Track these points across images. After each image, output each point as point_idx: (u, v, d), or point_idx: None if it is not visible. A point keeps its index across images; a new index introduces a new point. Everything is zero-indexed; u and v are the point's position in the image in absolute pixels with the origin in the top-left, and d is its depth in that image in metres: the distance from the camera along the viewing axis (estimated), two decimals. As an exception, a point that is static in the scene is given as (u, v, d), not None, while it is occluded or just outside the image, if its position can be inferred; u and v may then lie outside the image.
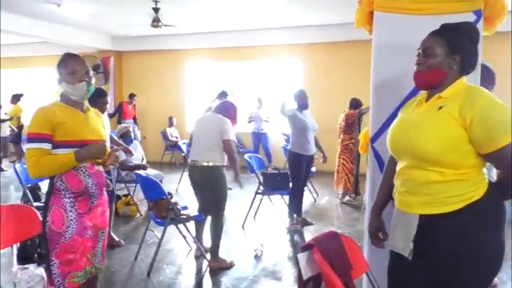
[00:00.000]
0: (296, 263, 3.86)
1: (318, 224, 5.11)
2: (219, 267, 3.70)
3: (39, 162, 1.98)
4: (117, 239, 4.30)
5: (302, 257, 1.71)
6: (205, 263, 3.81)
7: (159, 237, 3.73)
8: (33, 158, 1.99)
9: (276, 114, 8.46)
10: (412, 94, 2.04)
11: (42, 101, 10.01)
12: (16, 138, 9.56)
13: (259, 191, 5.02)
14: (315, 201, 6.34)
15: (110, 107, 9.12)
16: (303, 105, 4.87)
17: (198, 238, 3.94)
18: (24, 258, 3.58)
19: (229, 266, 3.74)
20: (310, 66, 9.16)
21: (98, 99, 3.45)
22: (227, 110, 3.83)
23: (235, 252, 4.08)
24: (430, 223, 1.55)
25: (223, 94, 6.32)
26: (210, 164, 3.61)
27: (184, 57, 10.21)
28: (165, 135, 9.40)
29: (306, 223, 5.05)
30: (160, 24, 7.16)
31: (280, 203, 5.40)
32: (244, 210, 5.12)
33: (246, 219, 5.04)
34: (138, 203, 5.54)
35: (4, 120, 8.59)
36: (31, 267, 2.26)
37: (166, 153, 9.58)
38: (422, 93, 1.71)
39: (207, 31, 9.27)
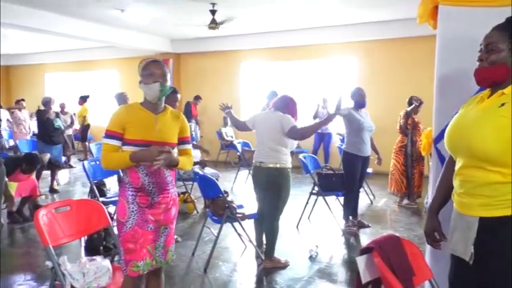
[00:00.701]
0: (351, 265, 3.80)
1: (374, 227, 4.96)
2: (274, 267, 3.70)
3: (106, 157, 2.20)
4: (175, 236, 4.45)
5: (361, 260, 1.67)
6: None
7: (216, 234, 3.80)
8: (104, 152, 2.21)
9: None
10: (479, 92, 1.92)
11: (106, 102, 10.66)
12: (83, 136, 10.21)
13: (313, 191, 4.97)
14: (372, 203, 6.17)
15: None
16: (359, 104, 4.75)
17: (258, 238, 3.95)
18: (91, 250, 3.83)
19: (284, 266, 3.74)
20: (367, 65, 8.92)
21: (170, 94, 3.58)
22: (287, 105, 3.73)
23: (290, 252, 4.07)
24: (491, 226, 1.46)
25: (273, 94, 6.28)
26: (278, 165, 3.58)
27: (240, 57, 10.35)
28: (220, 135, 9.59)
29: (362, 225, 4.92)
30: (217, 26, 7.31)
31: (335, 204, 5.31)
32: (299, 211, 5.09)
33: (300, 219, 5.01)
34: (195, 200, 5.70)
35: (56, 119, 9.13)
36: (98, 258, 2.39)
37: (221, 152, 9.77)
38: (488, 90, 1.61)
39: (263, 31, 9.33)
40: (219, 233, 3.76)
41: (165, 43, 10.45)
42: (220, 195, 3.74)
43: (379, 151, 5.19)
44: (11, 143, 9.19)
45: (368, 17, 7.96)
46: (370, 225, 4.98)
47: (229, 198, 3.86)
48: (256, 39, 9.58)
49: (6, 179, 4.28)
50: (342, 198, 4.95)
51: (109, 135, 2.20)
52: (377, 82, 8.54)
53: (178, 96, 4.09)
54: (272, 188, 3.63)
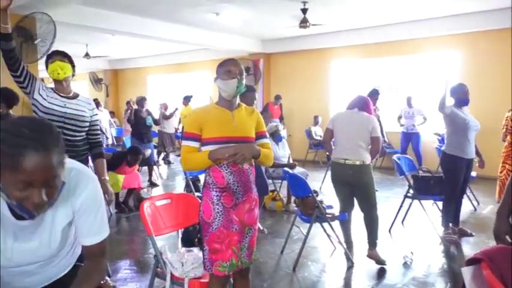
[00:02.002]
0: (452, 276, 3.52)
1: (478, 236, 4.53)
2: (377, 259, 3.70)
3: (186, 158, 2.23)
4: (261, 227, 4.51)
5: (467, 271, 1.52)
6: (348, 264, 3.74)
7: (304, 233, 3.78)
8: (184, 154, 2.24)
9: (429, 112, 7.85)
10: None
11: (201, 102, 11.22)
12: None
13: (408, 194, 4.69)
14: (475, 210, 5.64)
15: (259, 106, 9.66)
16: (462, 101, 4.35)
17: (347, 239, 3.89)
18: (186, 241, 4.04)
19: (382, 263, 3.68)
20: (470, 58, 8.17)
21: (247, 93, 3.66)
22: (367, 106, 3.79)
23: (382, 256, 3.89)
24: None
25: (375, 93, 6.07)
26: (364, 162, 3.65)
27: (331, 55, 10.19)
28: (309, 134, 9.54)
29: (463, 234, 4.53)
30: (308, 24, 7.27)
31: (432, 208, 4.96)
32: (392, 214, 4.85)
33: (393, 223, 4.77)
34: (283, 198, 5.74)
35: (168, 118, 9.78)
36: (195, 250, 2.52)
37: (310, 151, 9.72)
38: None
39: (354, 28, 9.06)
40: (308, 233, 3.74)
41: (256, 43, 10.69)
42: (310, 194, 3.71)
43: (482, 153, 4.73)
44: (111, 141, 10.12)
45: (471, 6, 7.29)
46: (473, 233, 4.56)
47: (318, 198, 3.82)
48: (348, 36, 9.34)
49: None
50: (440, 203, 4.60)
51: (187, 137, 2.23)
52: (481, 77, 7.78)
53: (256, 95, 4.15)
54: (359, 184, 3.70)
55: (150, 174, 7.33)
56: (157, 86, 14.42)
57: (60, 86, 2.84)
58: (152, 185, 7.24)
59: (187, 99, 10.92)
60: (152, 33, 8.35)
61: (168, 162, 9.97)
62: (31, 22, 5.94)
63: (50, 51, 6.00)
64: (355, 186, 3.74)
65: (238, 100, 2.32)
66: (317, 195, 3.85)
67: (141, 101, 7.39)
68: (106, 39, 10.19)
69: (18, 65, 2.65)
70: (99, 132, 3.06)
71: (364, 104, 3.79)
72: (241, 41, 10.23)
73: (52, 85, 2.89)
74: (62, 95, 2.82)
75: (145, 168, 7.42)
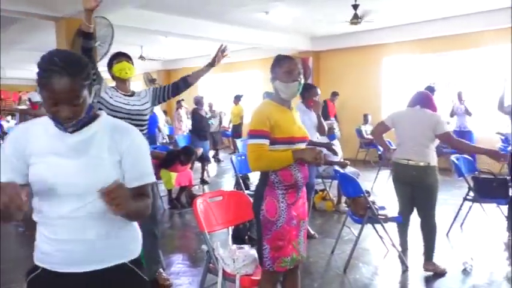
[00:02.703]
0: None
1: (547, 243, 4.20)
2: (435, 270, 3.48)
3: (261, 157, 2.13)
4: (312, 232, 4.47)
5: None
6: (401, 268, 3.61)
7: (356, 234, 3.70)
8: (256, 152, 2.14)
9: (484, 110, 7.40)
10: None
11: (253, 101, 11.30)
12: (236, 133, 10.90)
13: (468, 197, 4.44)
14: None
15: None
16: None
17: (403, 243, 3.75)
18: (236, 238, 4.09)
19: (442, 273, 3.48)
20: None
21: (310, 89, 3.62)
22: (430, 101, 3.56)
23: (439, 262, 3.71)
24: None
25: (429, 90, 5.80)
26: (428, 163, 3.42)
27: (382, 51, 9.88)
28: (360, 133, 9.32)
29: (530, 240, 4.22)
30: (359, 20, 7.10)
31: (495, 212, 4.66)
32: (449, 217, 4.61)
33: (451, 227, 4.54)
34: (334, 198, 5.65)
35: (211, 118, 9.93)
36: (246, 247, 2.54)
37: (360, 150, 9.49)
38: None
39: (407, 22, 8.71)
40: (359, 234, 3.65)
41: (305, 41, 10.59)
42: (362, 194, 3.62)
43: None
44: (167, 138, 10.42)
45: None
46: (541, 240, 4.24)
47: (370, 199, 3.71)
48: (401, 31, 9.00)
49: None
50: (505, 207, 4.31)
51: (256, 134, 2.14)
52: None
53: (318, 91, 4.08)
54: (422, 186, 3.45)
55: (203, 172, 7.49)
56: (208, 85, 14.69)
57: (123, 85, 3.02)
58: (204, 182, 7.39)
59: (237, 98, 11.07)
60: (203, 34, 8.52)
61: (217, 160, 10.14)
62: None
63: (108, 53, 6.30)
64: (416, 188, 3.50)
65: None
66: (369, 196, 3.74)
67: (200, 100, 7.81)
68: (159, 41, 10.52)
69: (93, 65, 2.82)
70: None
71: (427, 100, 3.57)
72: (291, 39, 10.16)
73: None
74: (124, 93, 2.99)
75: (197, 165, 7.60)
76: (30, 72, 16.97)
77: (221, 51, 3.13)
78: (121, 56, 3.02)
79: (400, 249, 3.72)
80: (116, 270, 1.43)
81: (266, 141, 2.14)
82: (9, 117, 12.66)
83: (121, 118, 2.78)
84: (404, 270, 3.59)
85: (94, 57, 2.88)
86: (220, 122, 10.48)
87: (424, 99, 3.57)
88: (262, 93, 6.57)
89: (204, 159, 7.35)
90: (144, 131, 3.05)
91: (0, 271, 3.59)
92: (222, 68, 13.78)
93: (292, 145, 2.19)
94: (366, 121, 9.48)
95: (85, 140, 1.36)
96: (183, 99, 10.69)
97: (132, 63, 3.03)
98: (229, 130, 11.48)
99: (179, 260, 3.90)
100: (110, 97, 2.91)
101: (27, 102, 7.63)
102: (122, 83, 3.02)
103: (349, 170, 5.29)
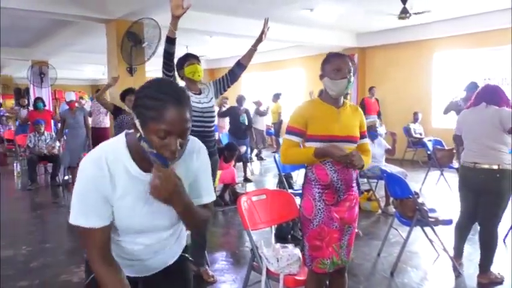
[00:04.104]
0: None
1: None
2: (490, 282, 3.24)
3: (287, 152, 2.21)
4: (356, 230, 4.36)
5: None
6: (452, 274, 3.43)
7: (404, 237, 3.56)
8: (283, 146, 2.23)
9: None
10: None
11: (296, 99, 11.24)
12: (277, 131, 10.93)
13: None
14: None
15: (353, 101, 9.35)
16: None
17: (457, 248, 3.55)
18: (279, 237, 4.07)
19: (500, 282, 3.25)
20: None
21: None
22: (497, 95, 3.22)
23: (494, 269, 3.49)
24: None
25: (473, 86, 5.48)
26: (499, 167, 3.11)
27: (433, 47, 9.47)
28: (408, 131, 8.99)
29: None
30: (408, 15, 6.83)
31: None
32: (507, 221, 4.32)
33: (508, 232, 4.25)
34: (379, 199, 5.48)
35: (262, 114, 9.91)
36: (290, 246, 2.50)
37: (408, 150, 9.15)
38: None
39: (461, 15, 8.28)
40: (408, 236, 3.50)
41: (350, 38, 10.36)
42: (410, 196, 3.47)
43: None
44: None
45: None
46: None
47: (419, 200, 3.55)
48: (453, 25, 8.56)
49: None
50: None
51: (290, 131, 2.21)
52: None
53: (350, 89, 3.96)
54: (490, 191, 3.17)
55: (245, 170, 7.53)
56: (251, 84, 14.75)
57: (194, 85, 3.16)
58: (247, 180, 7.42)
59: (276, 97, 11.06)
60: (247, 33, 8.53)
61: (261, 159, 10.15)
62: (139, 27, 6.46)
63: (155, 54, 6.48)
64: (483, 194, 3.22)
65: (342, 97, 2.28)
66: (418, 197, 3.57)
67: (240, 99, 7.81)
68: (204, 41, 10.68)
69: (172, 67, 2.99)
70: None
71: (492, 94, 3.23)
72: (335, 36, 9.98)
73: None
74: (194, 92, 3.11)
75: (239, 164, 7.64)
76: (81, 72, 17.87)
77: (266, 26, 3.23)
78: (192, 58, 3.16)
79: (452, 254, 3.53)
80: (174, 264, 1.59)
81: (295, 138, 2.20)
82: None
83: (196, 117, 2.97)
84: (457, 276, 3.41)
85: (174, 61, 3.01)
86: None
87: (489, 95, 3.25)
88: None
89: (244, 158, 7.37)
90: (213, 127, 3.19)
91: (53, 263, 3.79)
92: (265, 67, 13.87)
93: (330, 143, 2.14)
94: (415, 119, 9.13)
95: None
96: (227, 98, 10.80)
97: (201, 64, 3.17)
98: (272, 128, 11.49)
99: (223, 257, 3.93)
100: None
101: (65, 102, 8.02)
102: (192, 83, 3.15)
103: (397, 170, 5.12)
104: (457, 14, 8.19)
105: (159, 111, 1.18)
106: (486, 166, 3.13)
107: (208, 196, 1.49)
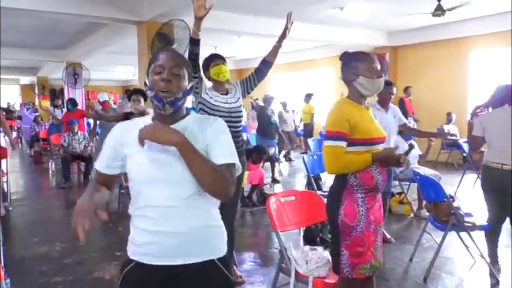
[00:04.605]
0: None
1: None
2: None
3: (340, 160, 2.04)
4: (388, 236, 4.25)
5: None
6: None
7: (437, 241, 3.44)
8: (334, 155, 2.04)
9: None
10: None
11: (325, 100, 11.09)
12: (308, 133, 10.66)
13: None
14: None
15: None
16: None
17: (492, 254, 3.41)
18: (307, 239, 4.01)
19: None
20: None
21: (385, 86, 3.45)
22: None
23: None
24: None
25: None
26: None
27: (469, 45, 9.13)
28: (442, 133, 8.69)
29: None
30: (443, 12, 6.60)
31: None
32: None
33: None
34: (412, 202, 5.33)
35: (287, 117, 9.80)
36: (319, 249, 2.46)
37: (442, 152, 8.86)
38: None
39: (498, 12, 7.92)
40: (442, 241, 3.38)
41: (381, 36, 10.13)
42: (445, 199, 3.35)
43: None
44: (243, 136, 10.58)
45: None
46: None
47: (455, 204, 3.42)
48: (492, 21, 8.20)
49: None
50: None
51: (337, 136, 2.03)
52: None
53: (394, 89, 3.87)
54: None
55: (273, 171, 7.49)
56: (278, 84, 14.71)
57: (220, 86, 3.15)
58: (274, 181, 7.39)
59: (308, 97, 10.91)
60: (276, 33, 8.36)
61: (289, 160, 10.09)
62: (169, 28, 6.54)
63: (184, 55, 6.52)
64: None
65: None
66: (453, 201, 3.46)
67: (269, 99, 7.77)
68: (233, 41, 10.71)
69: (198, 69, 2.99)
70: None
71: (508, 93, 3.18)
72: (366, 35, 9.78)
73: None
74: (221, 92, 3.12)
75: (267, 164, 7.61)
76: (113, 73, 18.30)
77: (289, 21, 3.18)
78: (217, 59, 3.15)
79: (488, 260, 3.38)
80: (204, 266, 1.46)
81: (343, 144, 2.04)
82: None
83: (222, 117, 2.92)
84: (494, 284, 3.26)
85: (199, 62, 2.99)
86: (294, 121, 10.38)
87: (505, 94, 3.19)
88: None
89: (272, 159, 7.33)
90: (240, 127, 3.18)
91: (86, 260, 3.87)
92: (292, 67, 13.78)
93: (372, 146, 2.09)
94: (449, 120, 8.84)
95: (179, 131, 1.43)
96: (257, 98, 10.79)
97: (226, 65, 3.15)
98: (300, 129, 11.35)
99: (251, 258, 3.92)
100: (210, 97, 3.03)
101: (98, 102, 8.20)
102: (218, 83, 3.14)
103: (430, 172, 4.96)
104: (495, 10, 7.85)
105: (155, 55, 1.47)
106: None
107: (225, 157, 1.43)
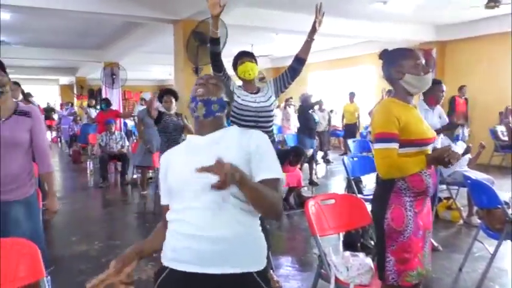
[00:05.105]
0: None
1: None
2: None
3: (395, 164, 1.95)
4: (435, 243, 4.00)
5: None
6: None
7: (490, 251, 3.18)
8: (388, 159, 1.95)
9: None
10: None
11: (367, 98, 10.71)
12: (350, 134, 10.11)
13: None
14: None
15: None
16: None
17: None
18: (348, 245, 3.83)
19: None
20: None
21: (435, 85, 3.26)
22: None
23: None
24: None
25: None
26: None
27: (525, 39, 8.52)
28: (494, 134, 8.18)
29: None
30: (496, 4, 6.16)
31: None
32: None
33: None
34: (461, 208, 4.99)
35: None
36: (361, 255, 2.33)
37: (495, 154, 8.32)
38: None
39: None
40: (495, 251, 3.12)
41: (428, 31, 9.67)
42: (499, 205, 3.13)
43: None
44: (280, 137, 10.39)
45: None
46: None
47: (510, 211, 3.16)
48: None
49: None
50: None
51: (389, 138, 1.94)
52: None
53: (444, 87, 3.65)
54: None
55: (311, 173, 7.29)
56: (318, 82, 14.43)
57: (249, 84, 3.08)
58: (312, 183, 7.19)
59: (353, 95, 10.54)
60: (315, 29, 8.30)
61: (327, 161, 9.83)
62: (205, 27, 6.50)
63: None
64: None
65: None
66: (508, 207, 3.21)
67: (306, 99, 7.66)
68: (270, 38, 10.58)
69: (222, 67, 2.96)
70: None
71: None
72: (411, 30, 9.35)
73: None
74: (250, 91, 3.04)
75: (305, 166, 7.43)
76: (148, 73, 18.60)
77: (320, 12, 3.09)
78: (244, 57, 3.07)
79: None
80: (242, 278, 1.40)
81: (395, 145, 1.94)
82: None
83: (249, 116, 2.94)
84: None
85: (222, 61, 2.95)
86: (329, 122, 10.04)
87: None
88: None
89: (311, 160, 7.16)
90: (271, 127, 3.09)
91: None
92: (333, 64, 13.48)
93: (423, 147, 1.99)
94: (502, 120, 8.29)
95: (216, 138, 1.52)
96: (291, 97, 10.61)
97: (256, 62, 3.06)
98: (341, 129, 11.02)
99: (288, 263, 3.81)
100: (238, 96, 2.97)
101: (143, 101, 8.29)
102: (246, 82, 3.07)
103: (482, 176, 4.63)
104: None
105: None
106: None
107: (271, 172, 1.46)
